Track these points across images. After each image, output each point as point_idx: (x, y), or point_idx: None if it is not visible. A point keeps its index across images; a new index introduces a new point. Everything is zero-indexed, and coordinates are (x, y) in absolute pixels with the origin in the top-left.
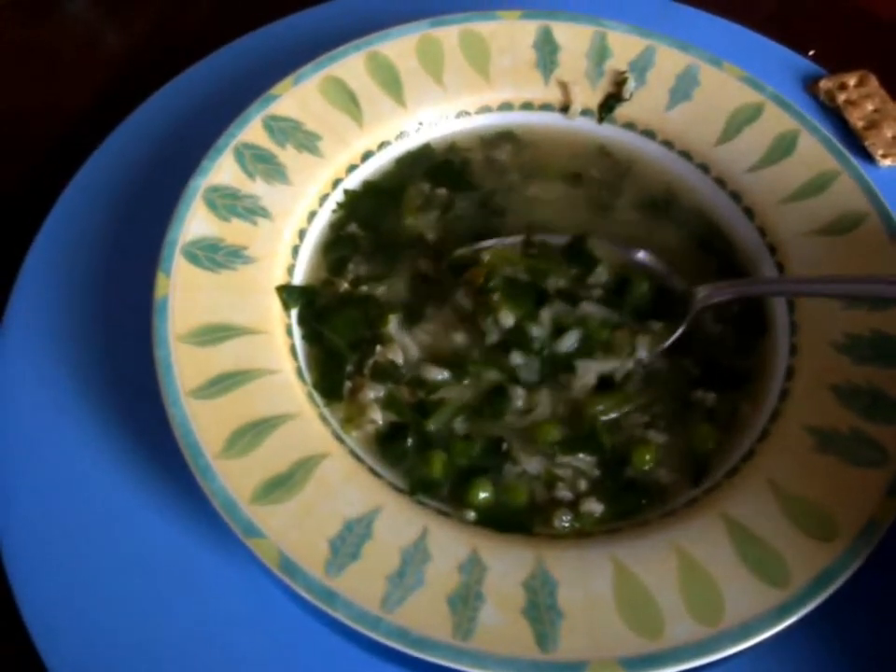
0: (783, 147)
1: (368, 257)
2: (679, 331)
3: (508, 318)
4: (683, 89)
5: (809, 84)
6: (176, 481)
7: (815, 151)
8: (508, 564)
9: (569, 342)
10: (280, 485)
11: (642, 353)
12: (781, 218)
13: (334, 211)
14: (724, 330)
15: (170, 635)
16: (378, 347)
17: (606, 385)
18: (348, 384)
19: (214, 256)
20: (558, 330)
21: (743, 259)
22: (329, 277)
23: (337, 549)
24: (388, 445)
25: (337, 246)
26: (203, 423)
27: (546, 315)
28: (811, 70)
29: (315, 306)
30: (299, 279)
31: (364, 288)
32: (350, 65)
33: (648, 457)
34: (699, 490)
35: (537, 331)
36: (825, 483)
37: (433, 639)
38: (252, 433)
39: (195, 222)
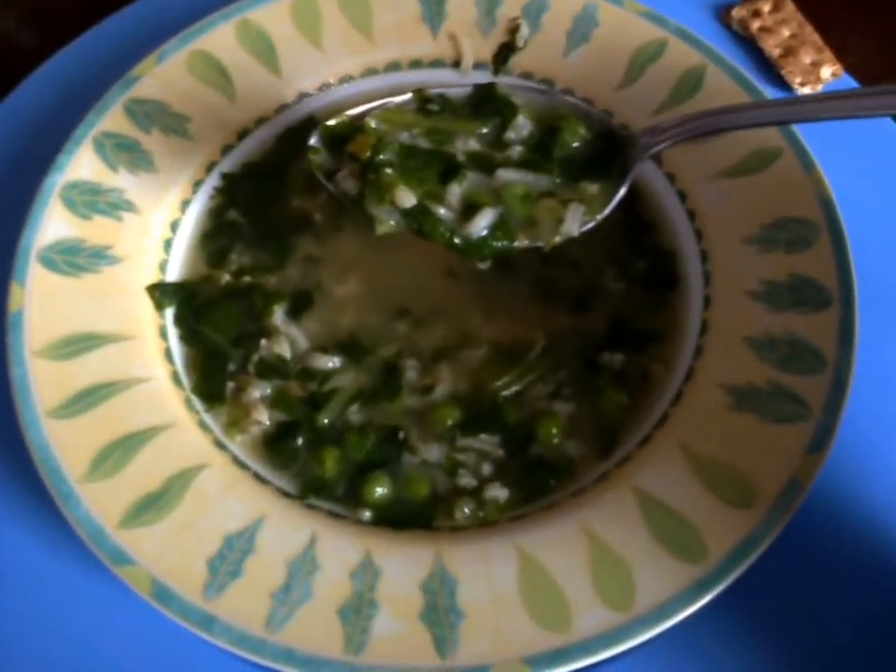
0: (690, 85)
1: (251, 244)
2: (621, 193)
3: (407, 198)
4: (581, 31)
5: (722, 13)
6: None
7: (724, 86)
8: (404, 565)
9: (483, 223)
10: (152, 505)
11: (573, 227)
12: (690, 161)
13: (212, 197)
14: (630, 287)
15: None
16: (263, 341)
17: (508, 355)
18: (231, 384)
19: (74, 259)
20: (470, 209)
21: (654, 210)
22: (209, 270)
23: (216, 568)
24: (276, 447)
25: (216, 236)
26: (66, 444)
27: (455, 190)
28: None
29: (193, 303)
30: (174, 275)
31: (247, 279)
32: (218, 37)
33: (554, 430)
34: (610, 463)
35: (444, 213)
36: (743, 445)
37: (322, 657)
38: (121, 450)
39: (52, 224)
